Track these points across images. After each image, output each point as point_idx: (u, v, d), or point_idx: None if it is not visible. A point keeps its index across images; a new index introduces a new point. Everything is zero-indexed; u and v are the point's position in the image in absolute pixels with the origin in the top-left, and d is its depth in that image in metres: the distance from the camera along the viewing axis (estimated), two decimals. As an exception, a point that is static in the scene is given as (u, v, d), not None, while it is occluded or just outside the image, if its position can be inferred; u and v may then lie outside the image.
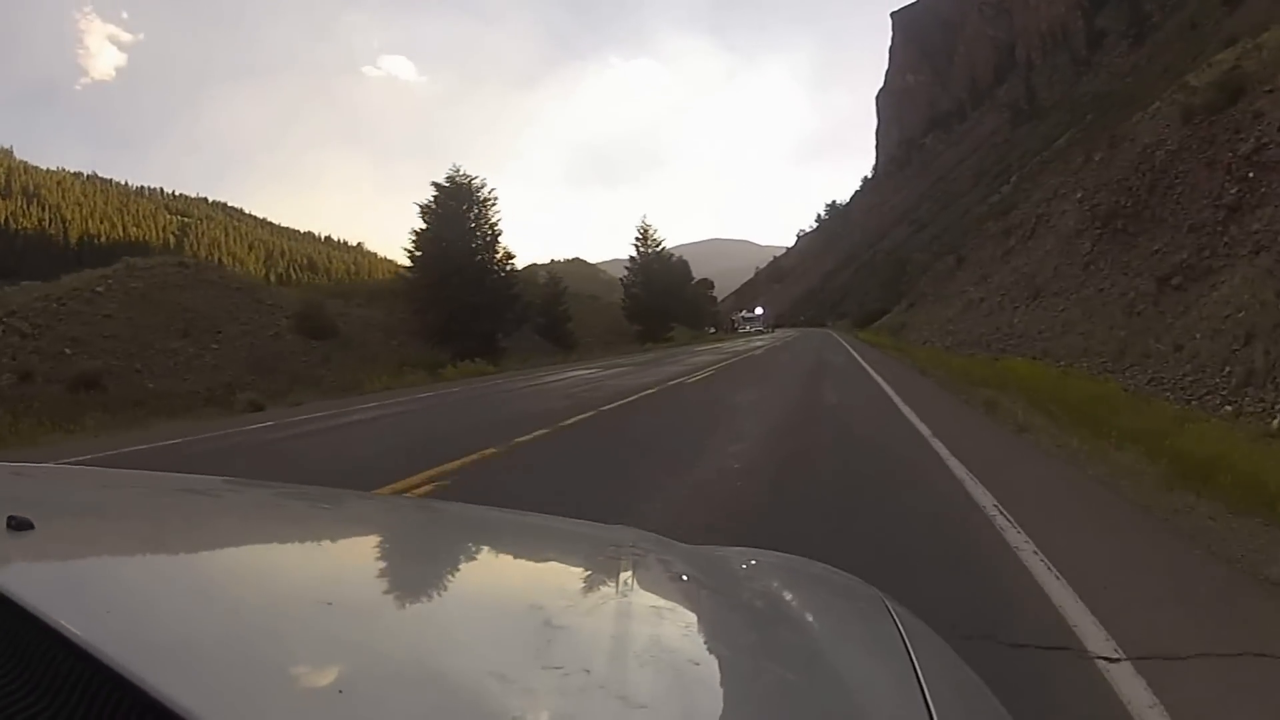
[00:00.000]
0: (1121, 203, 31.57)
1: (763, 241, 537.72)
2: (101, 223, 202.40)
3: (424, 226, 46.76)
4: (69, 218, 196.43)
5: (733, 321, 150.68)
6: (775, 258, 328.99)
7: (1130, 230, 29.75)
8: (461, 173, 48.62)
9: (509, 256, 50.62)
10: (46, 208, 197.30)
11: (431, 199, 47.30)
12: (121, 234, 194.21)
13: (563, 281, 65.11)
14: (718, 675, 1.01)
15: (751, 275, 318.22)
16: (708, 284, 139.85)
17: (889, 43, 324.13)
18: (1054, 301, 33.37)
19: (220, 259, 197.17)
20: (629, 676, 0.94)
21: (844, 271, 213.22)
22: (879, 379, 23.34)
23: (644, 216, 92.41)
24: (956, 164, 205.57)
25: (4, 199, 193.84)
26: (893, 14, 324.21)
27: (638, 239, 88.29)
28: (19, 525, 1.07)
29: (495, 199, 49.39)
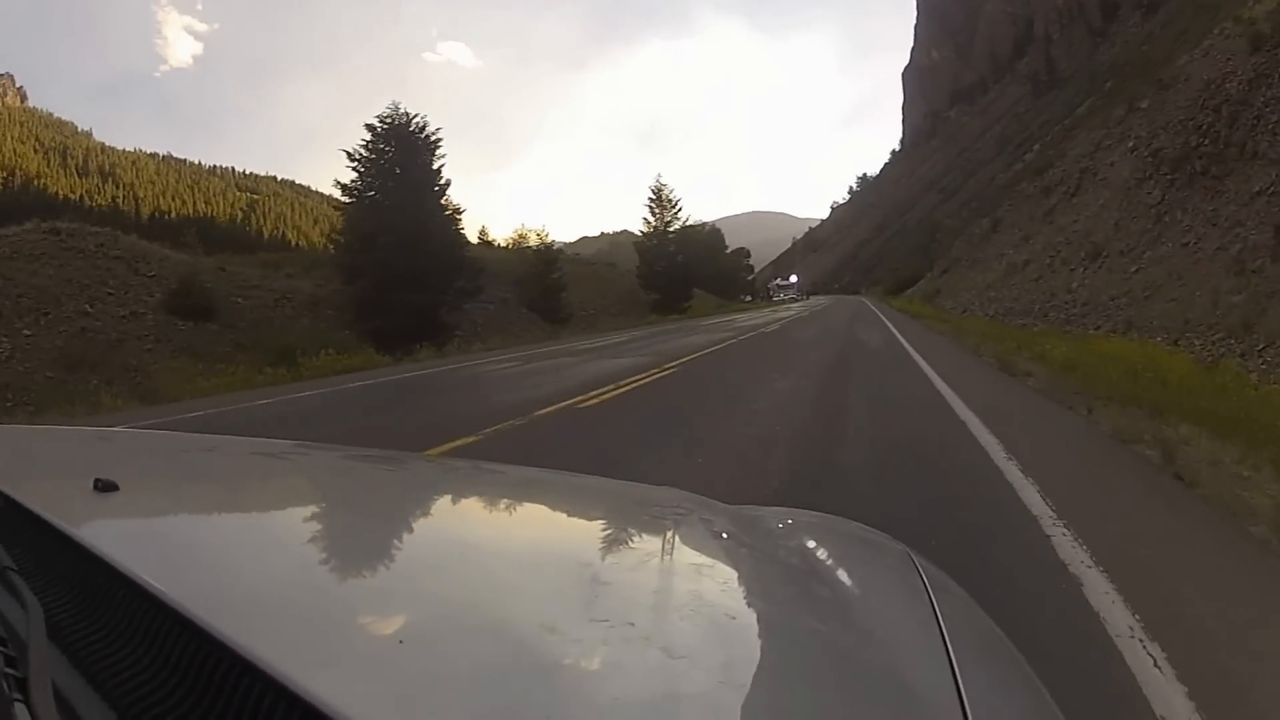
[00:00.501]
0: (1195, 143, 25.20)
1: (800, 214, 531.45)
2: (172, 199, 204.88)
3: (353, 177, 36.63)
4: (141, 195, 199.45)
5: (768, 290, 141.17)
6: (810, 229, 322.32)
7: (1213, 173, 23.47)
8: (400, 111, 37.62)
9: (458, 213, 40.20)
10: (121, 185, 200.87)
11: (362, 142, 36.65)
12: (191, 210, 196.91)
13: (557, 245, 58.59)
14: (755, 628, 1.01)
15: (789, 246, 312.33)
16: (744, 253, 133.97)
17: (913, 21, 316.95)
18: (1121, 262, 26.81)
19: (285, 232, 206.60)
20: (671, 629, 0.94)
21: (875, 240, 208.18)
22: (939, 381, 13.47)
23: (658, 177, 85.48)
24: (980, 134, 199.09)
25: (81, 177, 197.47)
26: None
27: (651, 200, 72.41)
28: (105, 487, 1.07)
29: (439, 143, 38.41)
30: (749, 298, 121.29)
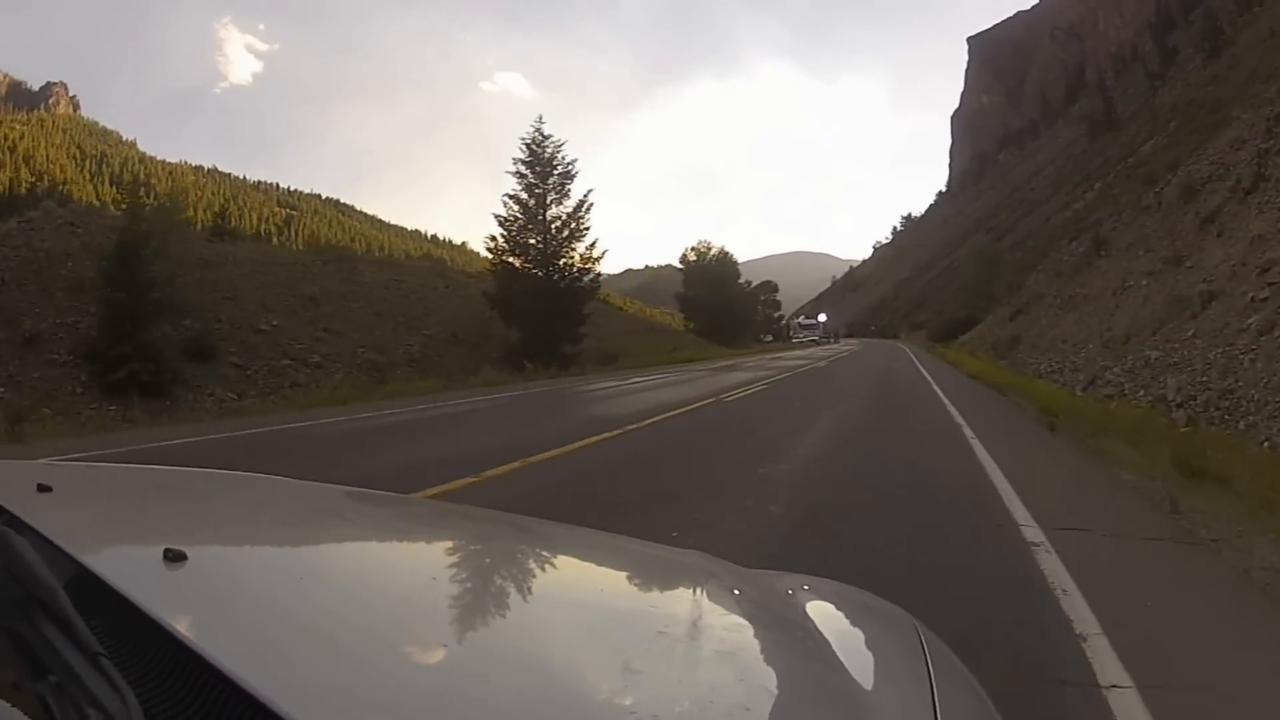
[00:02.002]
0: None
1: (842, 255, 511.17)
2: (205, 211, 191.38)
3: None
4: (169, 205, 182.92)
5: (788, 329, 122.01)
6: (851, 268, 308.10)
7: None
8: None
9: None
10: (152, 195, 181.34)
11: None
12: (218, 222, 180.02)
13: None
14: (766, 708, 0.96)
15: (828, 286, 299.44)
16: (770, 288, 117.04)
17: (964, 66, 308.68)
18: None
19: (305, 244, 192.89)
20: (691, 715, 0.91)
21: (918, 280, 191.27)
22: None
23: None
24: (1032, 175, 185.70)
25: (114, 186, 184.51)
26: (968, 39, 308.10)
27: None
28: (174, 557, 1.05)
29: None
30: (769, 337, 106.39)
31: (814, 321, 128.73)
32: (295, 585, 1.21)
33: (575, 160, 40.01)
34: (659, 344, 47.73)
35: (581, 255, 39.75)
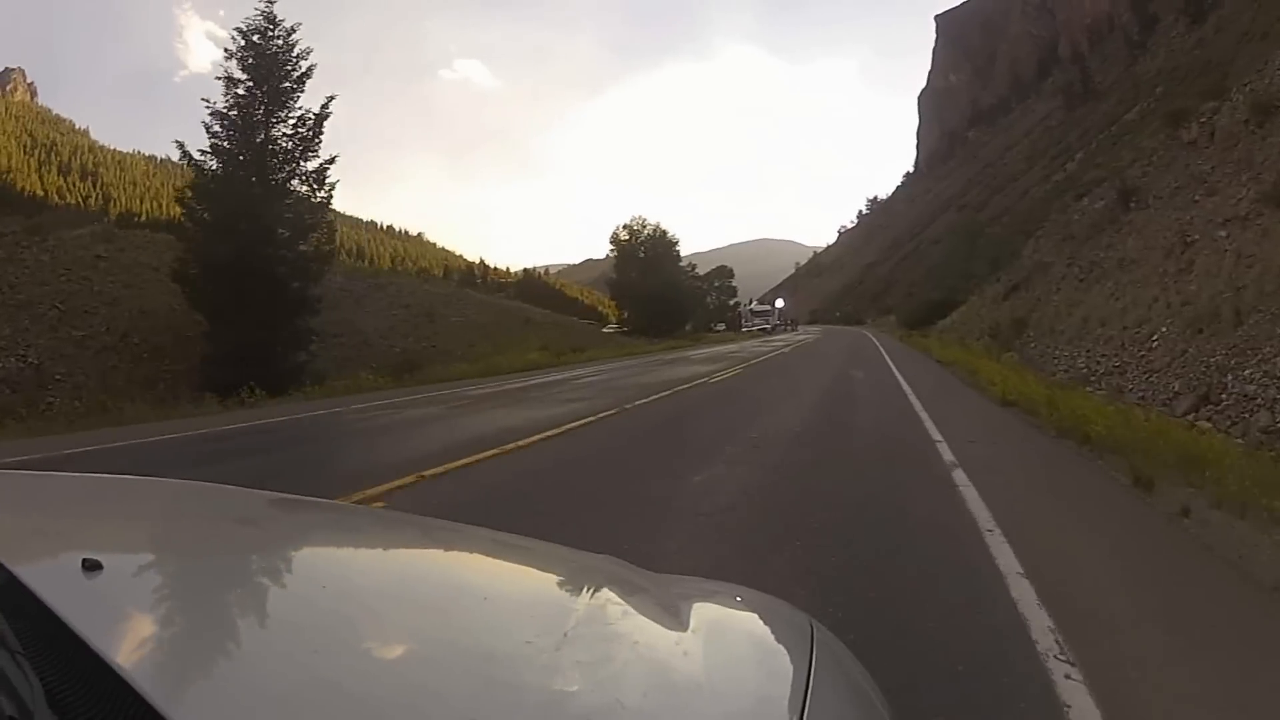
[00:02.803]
0: None
1: (808, 242, 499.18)
2: (152, 201, 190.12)
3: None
4: (116, 195, 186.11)
5: (739, 317, 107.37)
6: (815, 253, 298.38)
7: None
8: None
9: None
10: (99, 184, 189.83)
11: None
12: (167, 212, 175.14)
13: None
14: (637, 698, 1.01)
15: (793, 272, 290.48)
16: (725, 273, 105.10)
17: (931, 46, 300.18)
18: None
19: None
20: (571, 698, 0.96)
21: (886, 263, 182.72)
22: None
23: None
24: (1005, 150, 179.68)
25: (63, 175, 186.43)
26: (936, 17, 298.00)
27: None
28: (91, 566, 1.10)
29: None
30: (721, 326, 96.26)
31: (766, 308, 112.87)
32: (199, 591, 1.25)
33: (310, 52, 25.65)
34: (530, 340, 35.79)
35: (306, 195, 25.45)
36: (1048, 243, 33.71)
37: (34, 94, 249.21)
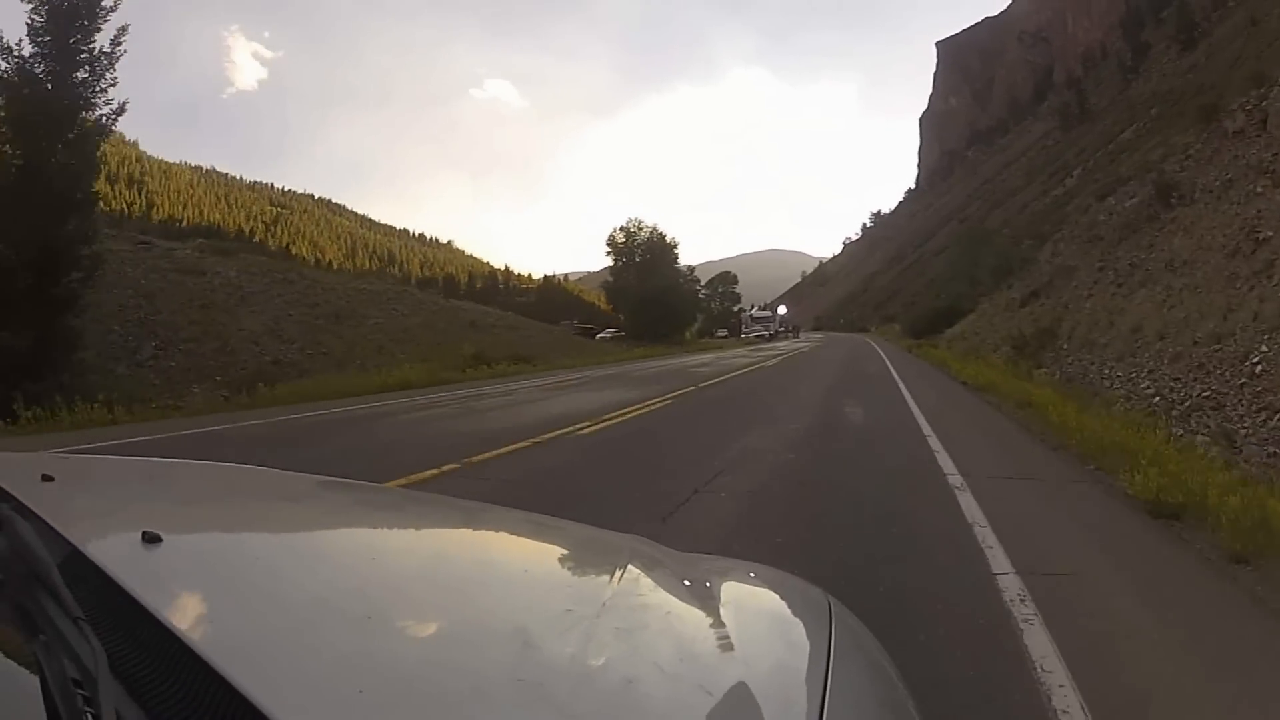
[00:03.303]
0: None
1: (815, 253, 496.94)
2: (194, 208, 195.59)
3: None
4: (157, 202, 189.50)
5: (741, 323, 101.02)
6: (821, 263, 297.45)
7: None
8: None
9: None
10: (143, 192, 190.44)
11: None
12: (210, 219, 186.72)
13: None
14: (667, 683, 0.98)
15: (799, 281, 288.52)
16: (728, 279, 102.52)
17: (932, 71, 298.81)
18: None
19: (294, 244, 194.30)
20: (585, 686, 0.94)
21: (888, 273, 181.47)
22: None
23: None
24: (1003, 168, 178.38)
25: (111, 184, 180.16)
26: (937, 43, 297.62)
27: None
28: (151, 539, 1.12)
29: None
30: (723, 332, 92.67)
31: (767, 315, 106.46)
32: (252, 564, 1.27)
33: None
34: (464, 348, 29.58)
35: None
36: (1070, 245, 32.22)
37: None
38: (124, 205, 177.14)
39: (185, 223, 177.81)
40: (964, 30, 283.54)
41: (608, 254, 72.14)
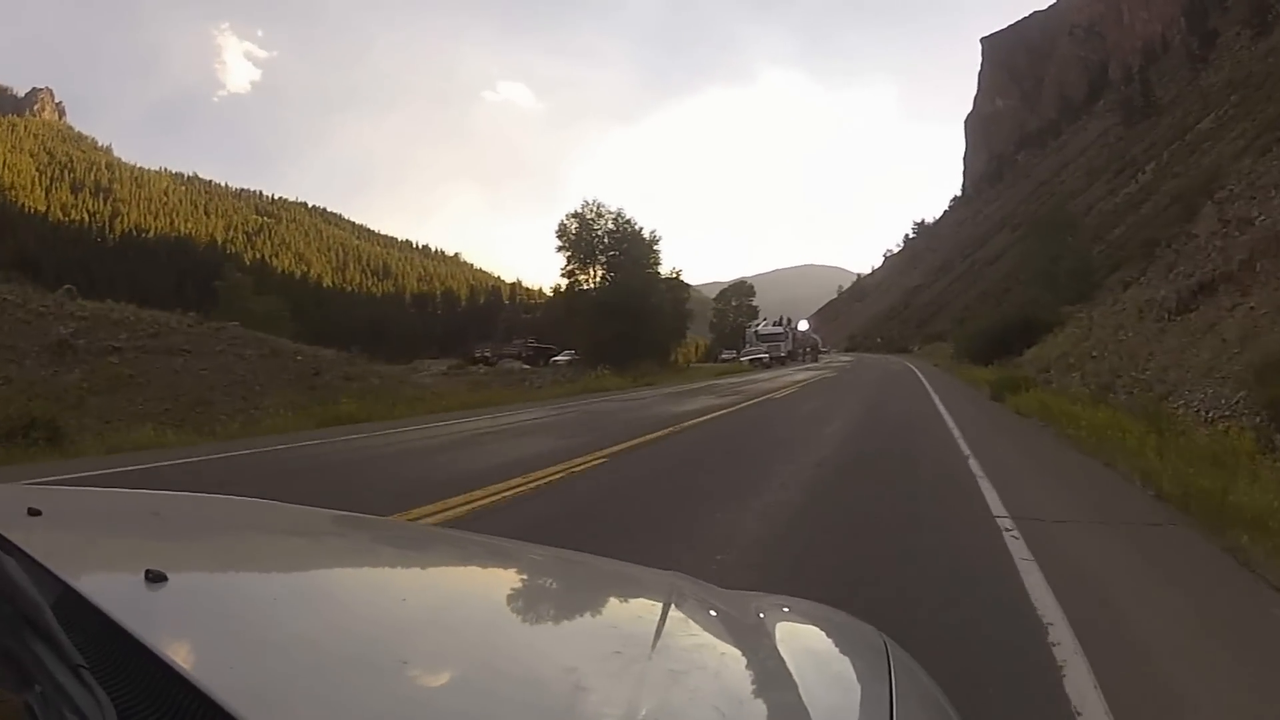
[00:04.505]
0: None
1: (853, 268, 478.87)
2: (162, 218, 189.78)
3: None
4: (123, 211, 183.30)
5: (745, 341, 78.30)
6: (859, 277, 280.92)
7: None
8: None
9: None
10: (109, 201, 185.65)
11: None
12: (182, 229, 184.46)
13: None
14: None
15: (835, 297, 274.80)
16: (743, 289, 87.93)
17: (976, 71, 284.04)
18: None
19: (274, 256, 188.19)
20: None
21: (933, 286, 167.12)
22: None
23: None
24: (1059, 169, 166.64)
25: (75, 193, 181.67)
26: (982, 39, 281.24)
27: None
28: (155, 578, 1.05)
29: None
30: (729, 354, 75.87)
31: (778, 330, 78.47)
32: (269, 605, 1.21)
33: None
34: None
35: None
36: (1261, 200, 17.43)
37: (62, 113, 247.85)
38: (85, 215, 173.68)
39: (152, 233, 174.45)
40: (1010, 26, 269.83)
41: (559, 250, 55.56)
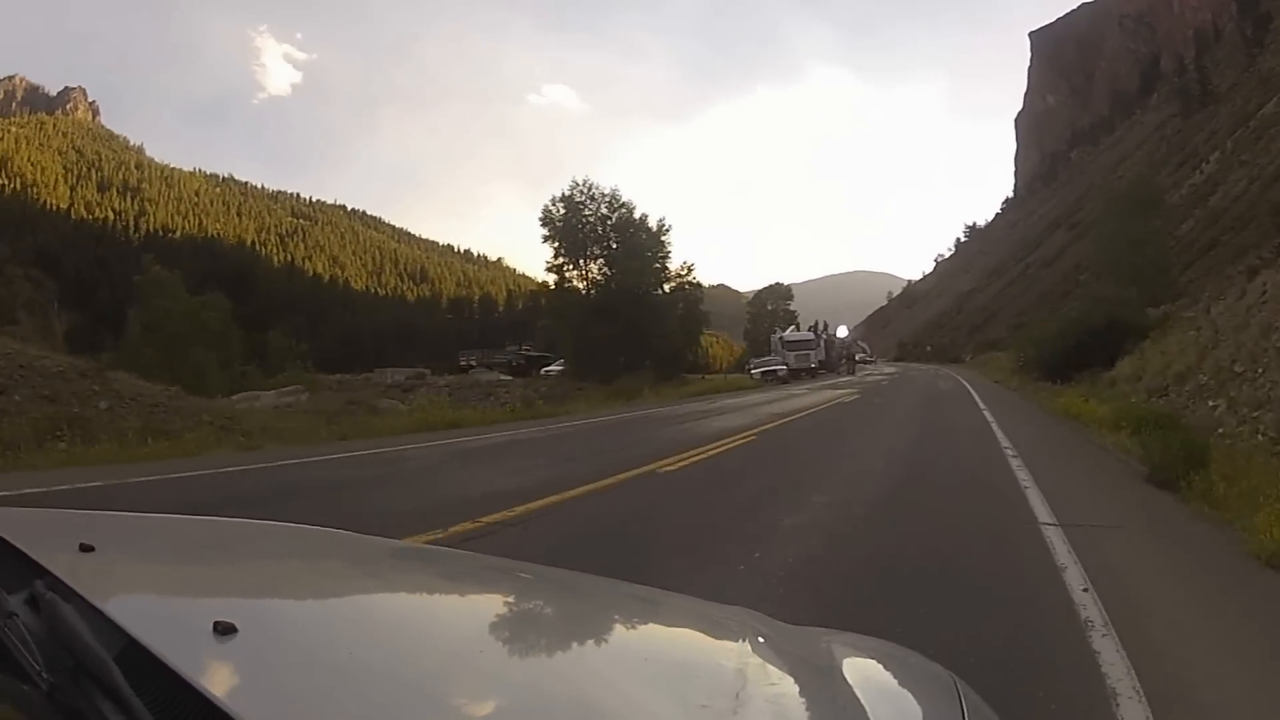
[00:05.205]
0: None
1: (903, 274, 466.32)
2: (192, 219, 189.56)
3: None
4: (150, 210, 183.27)
5: (771, 350, 65.75)
6: (909, 283, 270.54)
7: None
8: None
9: None
10: (136, 200, 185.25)
11: None
12: (205, 230, 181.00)
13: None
14: None
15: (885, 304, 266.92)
16: (780, 292, 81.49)
17: (1025, 67, 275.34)
18: None
19: (307, 259, 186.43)
20: None
21: (986, 291, 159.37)
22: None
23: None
24: (1117, 164, 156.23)
25: (100, 191, 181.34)
26: (1030, 34, 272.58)
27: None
28: (225, 630, 0.99)
29: None
30: (761, 364, 59.90)
31: (807, 338, 67.32)
32: (349, 658, 1.11)
33: None
34: None
35: None
36: None
37: (96, 113, 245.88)
38: (110, 214, 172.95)
39: (179, 233, 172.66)
40: (1059, 19, 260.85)
41: (545, 240, 48.24)
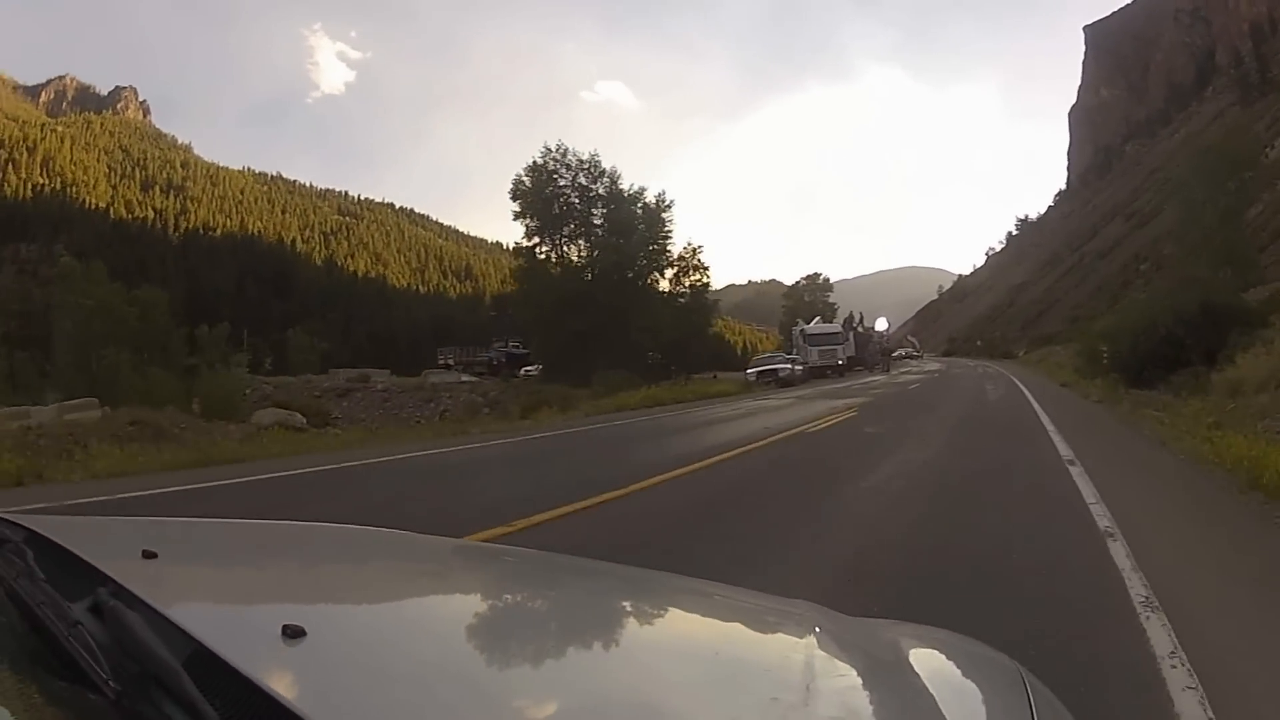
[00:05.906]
0: None
1: (954, 269, 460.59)
2: (229, 216, 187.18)
3: None
4: (196, 210, 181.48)
5: (791, 346, 56.82)
6: (960, 277, 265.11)
7: None
8: None
9: None
10: (179, 198, 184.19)
11: None
12: (246, 228, 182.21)
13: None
14: None
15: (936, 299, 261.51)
16: (819, 285, 78.57)
17: (1079, 61, 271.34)
18: None
19: (348, 259, 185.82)
20: None
21: (1039, 282, 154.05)
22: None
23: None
24: (1173, 154, 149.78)
25: (144, 190, 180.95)
26: (1085, 27, 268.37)
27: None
28: (293, 633, 0.99)
29: None
30: (749, 371, 49.58)
31: (834, 331, 58.58)
32: (415, 657, 1.12)
33: None
34: None
35: None
36: None
37: (146, 112, 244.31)
38: (151, 212, 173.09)
39: (219, 231, 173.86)
40: (1114, 13, 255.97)
41: (516, 217, 42.06)
